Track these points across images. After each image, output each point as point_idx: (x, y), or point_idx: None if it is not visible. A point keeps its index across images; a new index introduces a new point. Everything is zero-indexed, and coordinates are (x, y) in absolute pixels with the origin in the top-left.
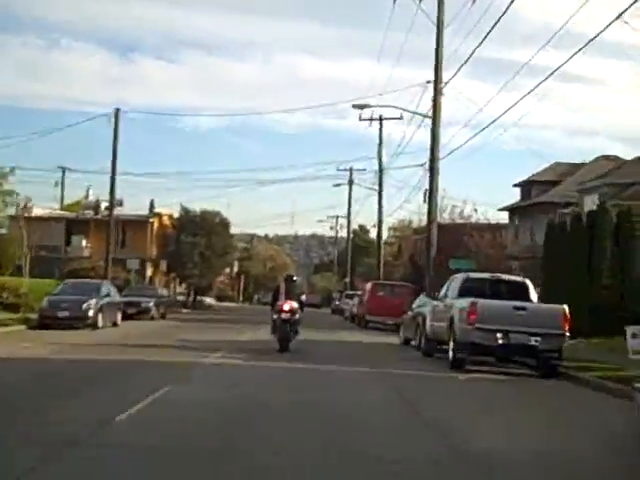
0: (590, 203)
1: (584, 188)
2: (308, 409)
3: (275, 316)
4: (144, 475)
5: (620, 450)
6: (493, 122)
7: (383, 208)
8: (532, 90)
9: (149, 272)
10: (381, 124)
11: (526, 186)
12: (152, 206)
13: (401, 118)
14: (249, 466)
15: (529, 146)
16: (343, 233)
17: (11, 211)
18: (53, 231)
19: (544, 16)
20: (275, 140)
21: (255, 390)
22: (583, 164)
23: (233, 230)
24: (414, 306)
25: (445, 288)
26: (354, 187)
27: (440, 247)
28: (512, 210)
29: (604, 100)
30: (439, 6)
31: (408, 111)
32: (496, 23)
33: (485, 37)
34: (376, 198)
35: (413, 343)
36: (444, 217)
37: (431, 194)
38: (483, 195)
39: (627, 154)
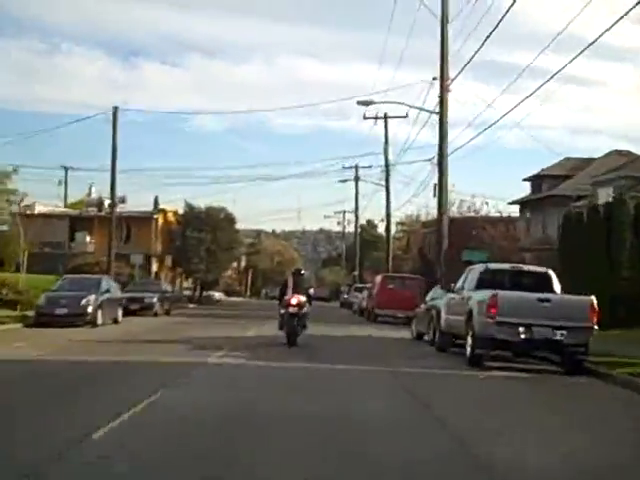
0: (605, 196)
1: (598, 181)
2: (315, 420)
3: (283, 310)
4: None
5: None
6: (497, 122)
7: (391, 203)
8: (535, 91)
9: (155, 267)
10: (386, 122)
11: (536, 180)
12: (156, 202)
13: (406, 116)
14: None
15: (534, 144)
16: (350, 228)
17: (15, 209)
18: (57, 228)
19: (549, 19)
20: (280, 142)
21: (257, 396)
22: (593, 159)
23: (239, 226)
24: (427, 299)
25: (462, 280)
26: (360, 183)
27: (450, 240)
28: (523, 203)
29: (606, 101)
30: None
31: (415, 107)
32: (499, 22)
33: (490, 34)
34: (383, 194)
35: (426, 338)
36: (453, 211)
37: (441, 188)
38: (490, 190)
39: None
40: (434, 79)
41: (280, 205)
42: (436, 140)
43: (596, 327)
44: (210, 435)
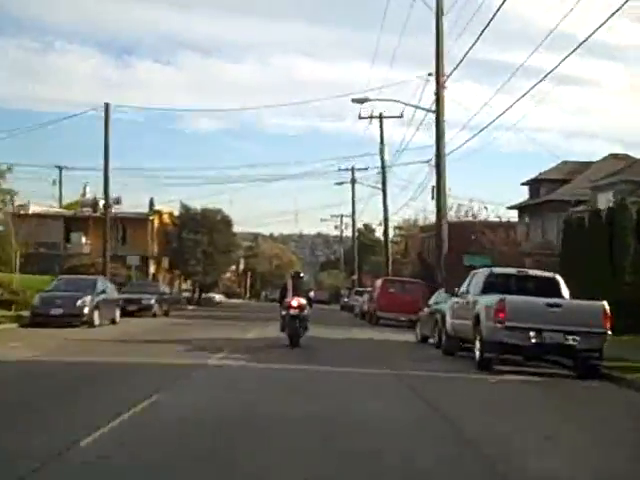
0: (605, 201)
1: (598, 185)
2: (317, 429)
3: (284, 312)
4: None
5: None
6: (492, 122)
7: (388, 206)
8: (528, 91)
9: (152, 269)
10: (381, 122)
11: (534, 184)
12: (152, 204)
13: (401, 116)
14: None
15: (531, 147)
16: (348, 232)
17: (9, 209)
18: (51, 228)
19: (542, 17)
20: (273, 142)
21: (257, 398)
22: (591, 162)
23: (236, 229)
24: (431, 302)
25: (466, 284)
26: (357, 186)
27: (450, 245)
28: (521, 208)
29: (601, 102)
30: None
31: (411, 105)
32: (491, 19)
33: (484, 29)
34: (380, 197)
35: (431, 341)
36: (451, 215)
37: (439, 190)
38: (487, 194)
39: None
40: (430, 75)
41: (277, 207)
42: (432, 142)
43: (610, 332)
44: (209, 437)
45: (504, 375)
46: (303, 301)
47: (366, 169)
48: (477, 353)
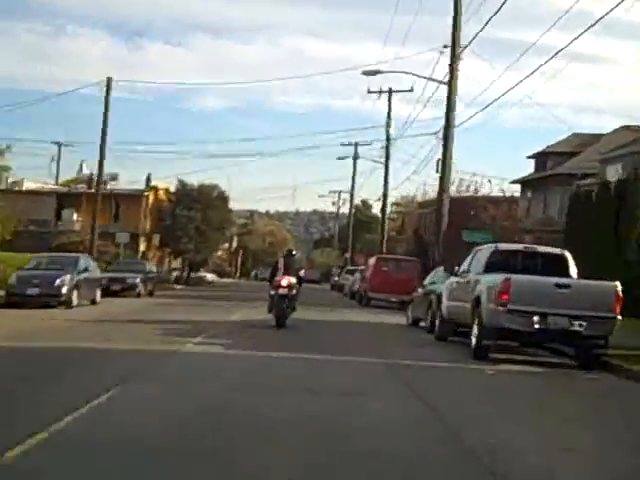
0: (614, 173)
1: (607, 157)
2: (296, 433)
3: (273, 292)
4: None
5: None
6: (503, 95)
7: (389, 181)
8: (539, 67)
9: (142, 247)
10: (390, 96)
11: (541, 157)
12: (149, 180)
13: (412, 90)
14: None
15: (540, 123)
16: (345, 209)
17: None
18: (44, 205)
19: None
20: (281, 120)
21: (229, 397)
22: (602, 135)
23: (234, 206)
24: (426, 282)
25: (467, 262)
26: (359, 160)
27: (450, 220)
28: (525, 182)
29: (610, 78)
30: None
31: (423, 77)
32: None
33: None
34: (381, 171)
35: (423, 324)
36: (452, 190)
37: (444, 163)
38: (492, 170)
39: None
40: (445, 47)
41: (276, 182)
42: (439, 118)
43: (619, 317)
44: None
45: (501, 365)
46: (293, 280)
47: (370, 143)
48: (473, 340)
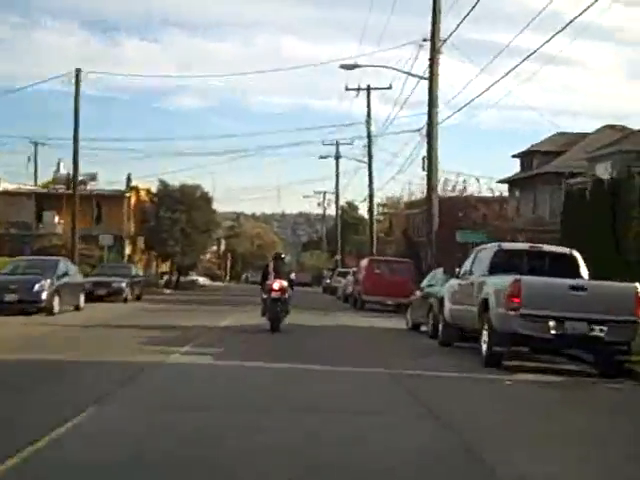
0: (603, 171)
1: (594, 156)
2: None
3: (265, 295)
4: None
5: None
6: (481, 95)
7: (373, 181)
8: (515, 68)
9: (128, 250)
10: (369, 93)
11: (526, 157)
12: (129, 180)
13: (390, 88)
14: None
15: (521, 125)
16: (331, 210)
17: None
18: (23, 207)
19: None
20: (259, 120)
21: (220, 423)
22: (586, 134)
23: (218, 208)
24: (424, 284)
25: (469, 263)
26: (342, 160)
27: (440, 221)
28: (512, 182)
29: (585, 81)
30: None
31: (403, 72)
32: None
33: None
34: (365, 171)
35: (424, 329)
36: (438, 190)
37: (430, 161)
38: (475, 170)
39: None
40: (424, 40)
41: (259, 183)
42: (421, 114)
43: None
44: None
45: (517, 374)
46: (285, 283)
47: (351, 143)
48: (484, 346)
